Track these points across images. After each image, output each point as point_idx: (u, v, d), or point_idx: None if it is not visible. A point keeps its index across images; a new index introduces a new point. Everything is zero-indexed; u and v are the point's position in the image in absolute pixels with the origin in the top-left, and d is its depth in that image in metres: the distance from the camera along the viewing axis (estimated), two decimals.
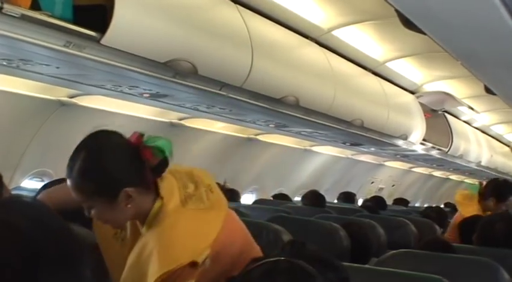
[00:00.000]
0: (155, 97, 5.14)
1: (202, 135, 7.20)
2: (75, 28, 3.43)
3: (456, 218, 5.01)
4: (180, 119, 6.66)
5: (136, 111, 5.98)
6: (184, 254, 2.18)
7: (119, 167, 2.27)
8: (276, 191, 8.92)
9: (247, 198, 8.59)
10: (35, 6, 3.23)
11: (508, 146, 15.08)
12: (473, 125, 12.08)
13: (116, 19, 3.56)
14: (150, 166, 2.27)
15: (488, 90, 7.44)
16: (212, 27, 4.48)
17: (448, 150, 10.22)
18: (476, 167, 12.41)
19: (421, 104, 8.83)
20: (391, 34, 6.55)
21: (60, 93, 5.16)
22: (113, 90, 4.87)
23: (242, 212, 4.69)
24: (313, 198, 6.64)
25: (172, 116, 6.52)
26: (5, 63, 3.93)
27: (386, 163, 12.04)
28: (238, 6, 4.83)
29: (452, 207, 11.60)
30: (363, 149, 9.64)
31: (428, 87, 9.06)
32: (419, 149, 9.31)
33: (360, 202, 9.61)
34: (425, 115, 8.84)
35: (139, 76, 4.21)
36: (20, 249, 0.90)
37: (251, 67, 4.83)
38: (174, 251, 2.19)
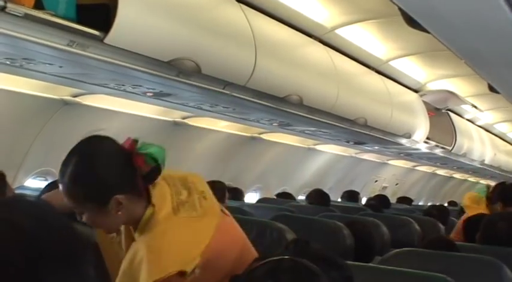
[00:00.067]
0: (158, 96, 5.15)
1: (205, 134, 7.20)
2: (79, 27, 3.43)
3: (463, 220, 5.01)
4: (184, 118, 6.66)
5: (140, 110, 5.99)
6: (173, 263, 2.17)
7: (111, 174, 2.26)
8: (280, 190, 8.93)
9: (251, 197, 8.60)
10: (39, 5, 3.23)
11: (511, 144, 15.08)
12: (477, 123, 12.07)
13: (119, 18, 3.56)
14: (142, 173, 2.26)
15: (491, 89, 7.44)
16: (215, 26, 4.48)
17: (452, 149, 10.22)
18: (479, 166, 12.40)
19: (425, 103, 8.83)
20: (394, 33, 6.55)
21: (63, 93, 5.16)
22: (116, 89, 4.87)
23: (246, 210, 4.70)
24: (318, 197, 6.64)
25: (175, 115, 6.53)
26: (8, 62, 3.93)
27: (390, 162, 12.03)
28: (242, 5, 4.83)
29: (455, 206, 11.63)
30: (366, 147, 9.64)
31: (431, 86, 9.05)
32: (423, 148, 9.31)
33: (363, 201, 9.62)
34: (428, 113, 8.84)
35: (142, 75, 4.22)
36: (24, 249, 0.90)
37: (255, 66, 4.83)
38: (162, 260, 2.18)
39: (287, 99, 5.46)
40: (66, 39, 3.44)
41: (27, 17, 3.12)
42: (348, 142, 8.88)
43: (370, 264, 3.23)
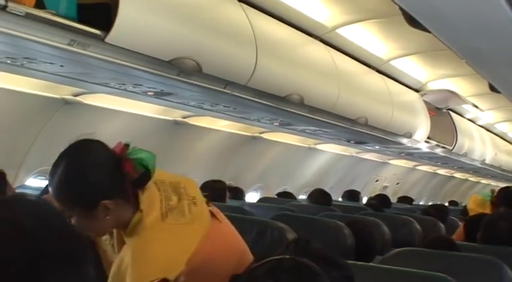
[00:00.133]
0: (159, 95, 5.15)
1: (206, 133, 7.20)
2: (80, 26, 3.43)
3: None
4: (184, 117, 6.66)
5: (141, 109, 5.99)
6: (156, 270, 2.16)
7: (99, 179, 2.25)
8: (281, 189, 8.94)
9: (251, 197, 8.60)
10: (40, 4, 3.23)
11: None
12: (478, 123, 12.07)
13: (120, 17, 3.56)
14: (131, 179, 2.25)
15: (492, 88, 7.44)
16: (216, 25, 4.48)
17: (453, 148, 10.22)
18: (480, 165, 12.40)
19: (426, 102, 8.83)
20: (395, 32, 6.55)
21: (64, 92, 5.16)
22: (117, 88, 4.87)
23: (246, 210, 4.70)
24: (319, 196, 6.65)
25: (176, 114, 6.53)
26: (9, 61, 3.93)
27: (391, 161, 12.04)
28: (243, 4, 4.83)
29: (456, 205, 11.64)
30: (367, 147, 9.64)
31: (432, 85, 9.05)
32: (424, 147, 9.31)
33: (364, 200, 9.62)
34: (429, 113, 8.84)
35: (143, 74, 4.22)
36: (25, 248, 0.90)
37: (255, 65, 4.83)
38: (146, 268, 2.18)
39: (288, 98, 5.46)
40: (67, 38, 3.44)
41: (28, 16, 3.12)
42: (348, 141, 8.88)
43: (371, 263, 3.23)
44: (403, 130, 8.07)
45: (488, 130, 12.75)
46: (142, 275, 2.16)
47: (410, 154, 10.55)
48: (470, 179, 16.44)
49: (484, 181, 17.34)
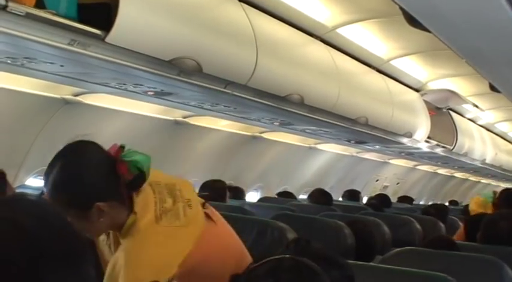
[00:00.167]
0: (160, 95, 5.15)
1: (206, 133, 7.20)
2: (80, 26, 3.43)
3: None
4: (185, 117, 6.66)
5: (141, 109, 5.99)
6: (148, 273, 2.16)
7: (93, 181, 2.24)
8: (281, 189, 8.94)
9: (251, 196, 8.61)
10: (40, 4, 3.23)
11: None
12: (478, 122, 12.07)
13: (120, 17, 3.56)
14: (126, 181, 2.24)
15: (493, 88, 7.44)
16: (217, 25, 4.48)
17: (453, 148, 10.22)
18: (480, 165, 12.40)
19: (426, 102, 8.83)
20: (395, 32, 6.55)
21: (64, 92, 5.16)
22: (117, 88, 4.87)
23: (247, 210, 4.70)
24: (320, 196, 6.65)
25: (176, 114, 6.53)
26: (9, 61, 3.93)
27: (391, 161, 12.04)
28: (243, 4, 4.83)
29: (456, 205, 11.64)
30: (367, 146, 9.64)
31: (432, 85, 9.05)
32: (424, 147, 9.31)
33: (364, 200, 9.62)
34: (430, 113, 8.84)
35: (143, 74, 4.22)
36: (25, 247, 0.90)
37: (256, 65, 4.83)
38: (138, 270, 2.18)
39: (288, 98, 5.46)
40: (67, 38, 3.44)
41: (28, 16, 3.12)
42: (349, 141, 8.88)
43: (371, 263, 3.23)
44: (403, 130, 8.07)
45: (488, 130, 12.76)
46: (135, 278, 2.17)
47: (411, 154, 10.55)
48: (470, 178, 16.45)
49: (484, 181, 17.35)
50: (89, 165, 2.27)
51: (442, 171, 14.57)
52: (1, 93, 4.74)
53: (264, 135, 8.12)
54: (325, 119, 6.46)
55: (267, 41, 5.00)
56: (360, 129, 7.25)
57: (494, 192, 5.33)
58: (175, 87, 4.75)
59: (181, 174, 6.71)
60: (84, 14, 3.49)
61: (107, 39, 3.58)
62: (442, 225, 5.35)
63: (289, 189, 8.84)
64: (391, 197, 8.74)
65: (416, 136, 8.47)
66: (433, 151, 9.87)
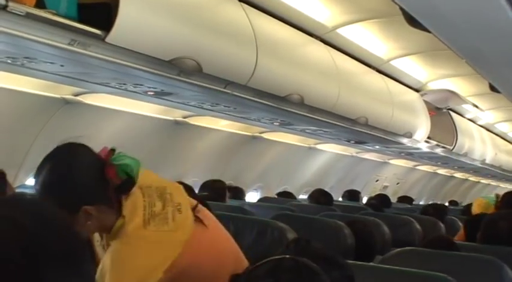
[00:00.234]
0: (160, 95, 5.15)
1: (206, 133, 7.20)
2: (80, 26, 3.43)
3: None
4: (185, 117, 6.66)
5: (141, 109, 5.99)
6: (131, 278, 2.17)
7: (81, 184, 2.24)
8: (281, 189, 8.94)
9: (251, 196, 8.60)
10: (40, 4, 3.23)
11: None
12: (478, 123, 12.07)
13: (120, 17, 3.56)
14: (114, 185, 2.24)
15: (492, 88, 7.44)
16: (217, 25, 4.48)
17: (453, 148, 10.22)
18: (480, 165, 12.40)
19: (426, 102, 8.82)
20: (395, 32, 6.55)
21: (64, 91, 5.16)
22: (117, 88, 4.87)
23: (246, 210, 4.70)
24: (320, 196, 6.65)
25: (176, 114, 6.53)
26: (9, 61, 3.93)
27: (391, 161, 12.04)
28: (243, 4, 4.83)
29: (456, 205, 11.64)
30: (367, 147, 9.64)
31: (432, 85, 9.05)
32: (424, 147, 9.31)
33: (364, 200, 9.62)
34: (429, 113, 8.84)
35: (143, 74, 4.22)
36: (25, 246, 0.90)
37: (256, 65, 4.83)
38: (122, 274, 2.18)
39: (288, 98, 5.46)
40: (67, 38, 3.44)
41: (28, 15, 3.12)
42: (348, 141, 8.88)
43: (371, 263, 3.23)
44: (403, 130, 8.07)
45: (488, 130, 12.76)
46: None
47: (411, 154, 10.55)
48: (470, 179, 16.44)
49: (484, 181, 17.35)
50: (78, 167, 2.26)
51: (441, 171, 14.57)
52: (1, 93, 4.74)
53: (264, 135, 8.12)
54: (325, 119, 6.46)
55: (267, 41, 4.99)
56: (360, 129, 7.25)
57: (497, 195, 5.34)
58: (175, 87, 4.75)
59: (181, 174, 6.72)
60: (84, 14, 3.49)
61: (107, 39, 3.58)
62: (441, 225, 5.36)
63: (289, 189, 8.84)
64: (391, 197, 8.75)
65: (416, 136, 8.47)
66: (433, 151, 9.87)
